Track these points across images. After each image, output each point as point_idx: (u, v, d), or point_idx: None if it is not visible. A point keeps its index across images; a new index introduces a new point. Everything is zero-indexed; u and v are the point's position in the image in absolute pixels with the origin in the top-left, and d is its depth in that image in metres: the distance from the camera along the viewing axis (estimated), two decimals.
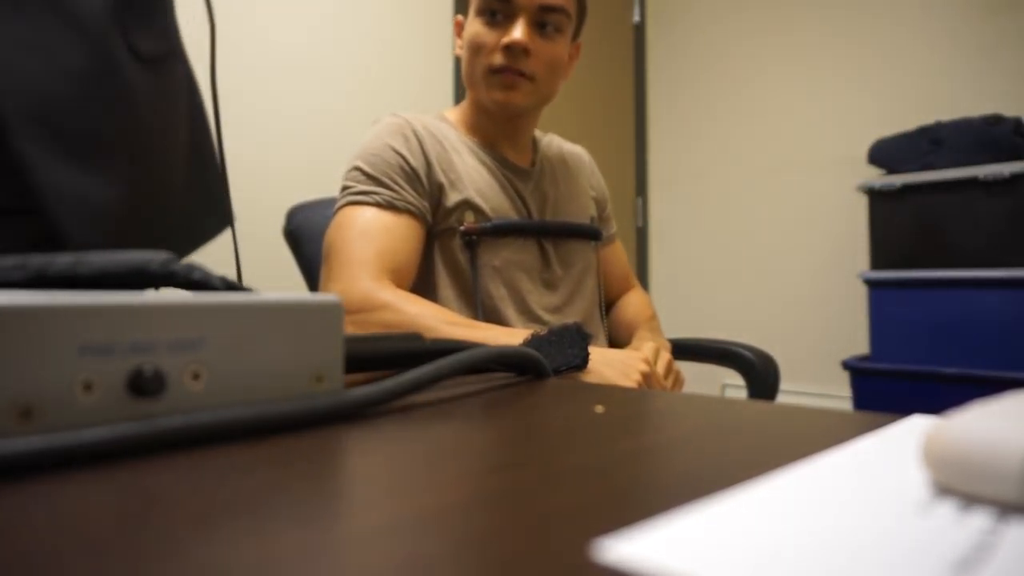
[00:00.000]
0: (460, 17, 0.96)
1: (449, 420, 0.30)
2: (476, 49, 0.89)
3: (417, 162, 0.87)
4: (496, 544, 0.15)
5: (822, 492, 0.18)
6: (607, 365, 0.71)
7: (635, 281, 1.17)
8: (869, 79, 2.44)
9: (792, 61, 2.62)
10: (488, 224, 0.89)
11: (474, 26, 0.90)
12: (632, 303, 1.12)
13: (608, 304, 1.13)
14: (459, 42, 0.95)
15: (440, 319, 0.74)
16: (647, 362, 0.74)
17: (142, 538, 0.15)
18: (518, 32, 0.87)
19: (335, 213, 0.86)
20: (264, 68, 1.82)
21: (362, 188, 0.85)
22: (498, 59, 0.88)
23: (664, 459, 0.24)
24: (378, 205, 0.84)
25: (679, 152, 2.96)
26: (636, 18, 3.05)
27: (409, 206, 0.85)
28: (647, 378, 0.73)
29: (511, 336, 0.74)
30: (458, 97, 2.17)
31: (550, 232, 0.95)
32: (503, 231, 0.90)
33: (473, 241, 0.88)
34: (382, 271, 0.80)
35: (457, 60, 2.21)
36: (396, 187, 0.85)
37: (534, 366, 0.43)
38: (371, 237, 0.81)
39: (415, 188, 0.86)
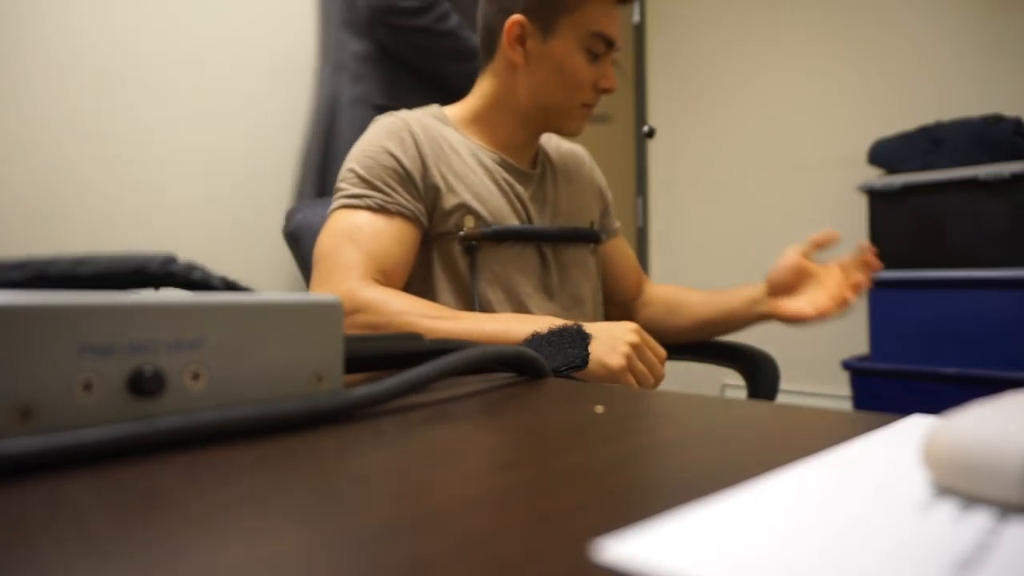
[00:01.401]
0: (524, 20, 0.89)
1: (449, 420, 0.30)
2: (578, 84, 0.90)
3: (412, 164, 0.86)
4: (496, 544, 0.15)
5: (822, 492, 0.18)
6: (593, 343, 0.68)
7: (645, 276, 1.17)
8: (869, 79, 2.44)
9: (792, 61, 2.62)
10: (488, 230, 0.87)
11: (578, 60, 0.89)
12: (671, 287, 1.13)
13: (629, 299, 1.11)
14: (520, 50, 0.90)
15: (423, 314, 0.74)
16: (637, 331, 0.71)
17: (142, 538, 0.15)
18: (614, 77, 0.92)
19: (328, 216, 0.86)
20: (264, 67, 1.82)
21: (354, 191, 0.84)
22: (592, 97, 0.92)
23: (664, 459, 0.24)
24: (370, 208, 0.83)
25: (679, 152, 2.96)
26: (636, 18, 3.05)
27: (402, 209, 0.84)
28: (637, 349, 0.70)
29: (495, 322, 0.73)
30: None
31: (550, 237, 0.94)
32: (502, 237, 0.89)
33: (473, 247, 0.87)
34: (370, 273, 0.79)
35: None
36: (389, 190, 0.84)
37: (534, 366, 0.43)
38: (360, 240, 0.81)
39: (409, 191, 0.85)
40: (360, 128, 1.01)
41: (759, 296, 0.99)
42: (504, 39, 0.90)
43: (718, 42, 2.85)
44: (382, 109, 1.20)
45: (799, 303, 0.95)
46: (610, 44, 0.90)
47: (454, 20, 1.33)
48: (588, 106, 0.93)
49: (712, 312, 1.04)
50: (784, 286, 0.97)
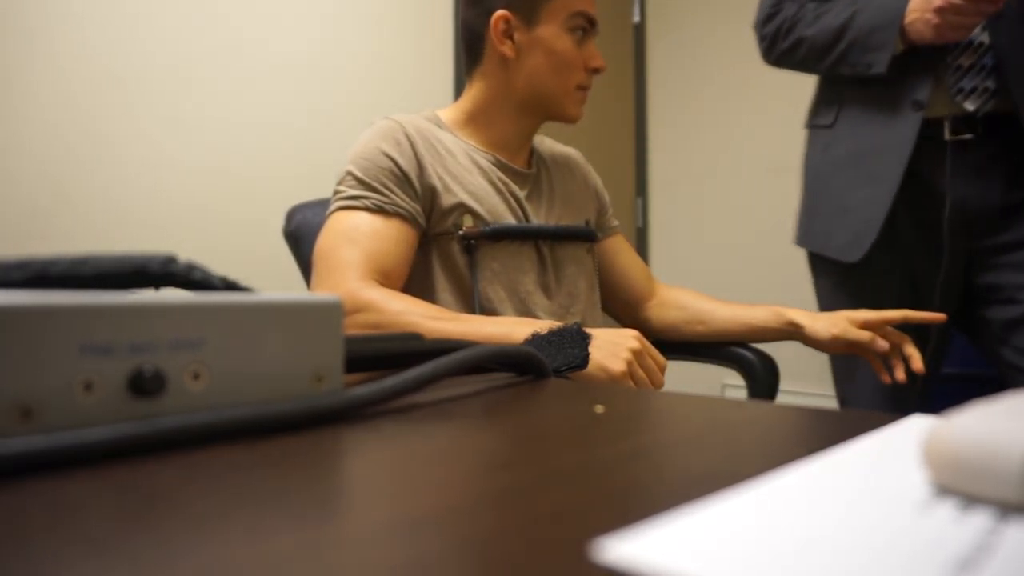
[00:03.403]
0: (508, 14, 0.92)
1: (449, 420, 0.30)
2: (569, 66, 0.93)
3: (408, 165, 0.87)
4: (496, 544, 0.15)
5: (822, 492, 0.18)
6: (595, 347, 0.69)
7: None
8: None
9: None
10: (487, 229, 0.89)
11: (565, 42, 0.93)
12: (687, 292, 1.11)
13: (638, 298, 1.11)
14: (509, 43, 0.93)
15: (425, 315, 0.74)
16: (639, 339, 0.72)
17: (142, 538, 0.15)
18: (600, 57, 0.95)
19: (326, 218, 0.87)
20: (264, 68, 1.82)
21: (352, 193, 0.85)
22: (586, 79, 0.95)
23: (664, 459, 0.24)
24: (367, 209, 0.84)
25: (679, 152, 2.96)
26: (636, 18, 3.05)
27: (399, 210, 0.85)
28: (638, 355, 0.70)
29: (496, 324, 0.74)
30: (458, 96, 2.17)
31: (547, 235, 0.95)
32: (501, 235, 0.90)
33: (472, 245, 0.88)
34: (369, 273, 0.80)
35: (460, 58, 2.21)
36: (386, 191, 0.85)
37: (535, 366, 0.43)
38: (359, 241, 0.81)
39: (406, 192, 0.86)
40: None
41: (800, 336, 0.98)
42: (492, 35, 0.93)
43: (718, 42, 2.85)
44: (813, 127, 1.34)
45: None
46: (591, 22, 0.94)
47: (802, 23, 1.23)
48: (583, 89, 0.96)
49: (738, 330, 1.03)
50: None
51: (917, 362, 0.91)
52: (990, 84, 1.14)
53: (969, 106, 1.14)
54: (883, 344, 0.91)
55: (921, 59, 1.15)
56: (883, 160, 1.19)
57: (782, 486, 0.19)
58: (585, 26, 0.94)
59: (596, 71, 0.95)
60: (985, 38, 1.13)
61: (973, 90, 1.15)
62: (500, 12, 0.92)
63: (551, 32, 0.93)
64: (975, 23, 1.06)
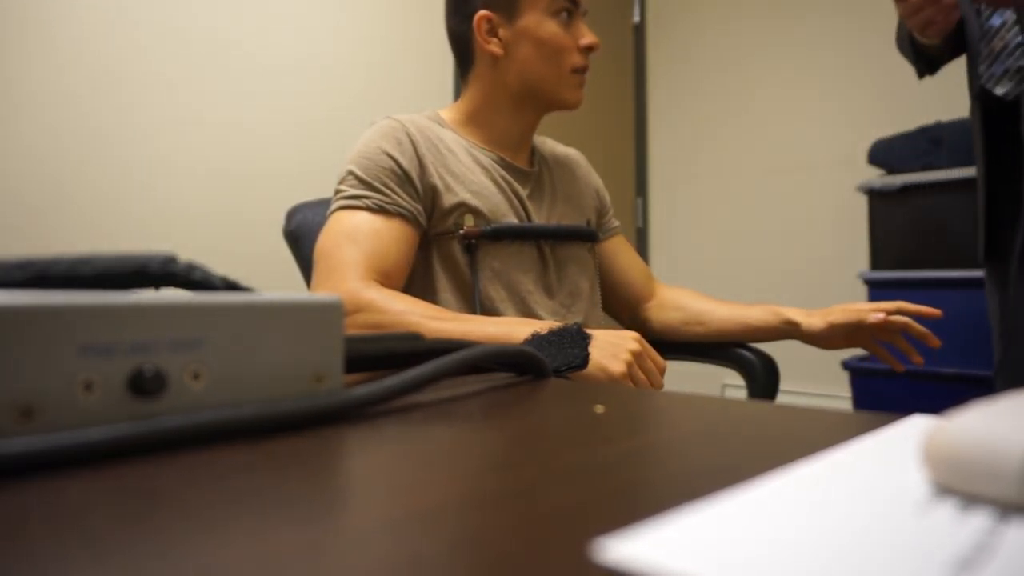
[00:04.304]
0: (489, 13, 0.93)
1: (449, 420, 0.30)
2: (559, 50, 0.93)
3: (410, 165, 0.87)
4: (495, 544, 0.15)
5: (822, 492, 0.18)
6: (594, 348, 0.69)
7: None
8: (869, 79, 2.43)
9: (792, 61, 2.62)
10: (488, 228, 0.89)
11: (551, 27, 0.92)
12: (687, 292, 1.10)
13: (638, 299, 1.10)
14: (495, 41, 0.93)
15: (426, 315, 0.74)
16: (639, 340, 0.72)
17: (142, 538, 0.15)
18: (591, 34, 0.94)
19: (327, 218, 0.87)
20: (264, 68, 1.82)
21: (353, 192, 0.85)
22: (580, 60, 0.94)
23: (664, 459, 0.24)
24: (369, 209, 0.84)
25: (679, 152, 2.96)
26: (636, 18, 3.05)
27: (400, 209, 0.85)
28: (638, 357, 0.70)
29: (498, 325, 0.74)
30: (458, 97, 2.17)
31: (548, 235, 0.95)
32: (502, 235, 0.90)
33: (472, 245, 0.88)
34: (370, 273, 0.80)
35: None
36: (387, 191, 0.85)
37: (534, 366, 0.43)
38: (359, 240, 0.81)
39: (407, 191, 0.86)
40: None
41: (797, 334, 0.98)
42: (477, 38, 0.93)
43: (718, 42, 2.85)
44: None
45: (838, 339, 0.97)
46: (574, 1, 0.93)
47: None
48: (579, 72, 0.95)
49: (736, 329, 1.03)
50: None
51: (933, 340, 0.91)
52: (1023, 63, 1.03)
53: (999, 91, 1.06)
54: (877, 316, 0.92)
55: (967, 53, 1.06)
56: (978, 169, 1.18)
57: (782, 486, 0.19)
58: (568, 7, 0.93)
59: (589, 49, 0.94)
60: (1009, 16, 1.03)
61: (1004, 73, 1.07)
62: (481, 13, 0.93)
63: (534, 21, 0.92)
64: (933, 16, 0.98)
